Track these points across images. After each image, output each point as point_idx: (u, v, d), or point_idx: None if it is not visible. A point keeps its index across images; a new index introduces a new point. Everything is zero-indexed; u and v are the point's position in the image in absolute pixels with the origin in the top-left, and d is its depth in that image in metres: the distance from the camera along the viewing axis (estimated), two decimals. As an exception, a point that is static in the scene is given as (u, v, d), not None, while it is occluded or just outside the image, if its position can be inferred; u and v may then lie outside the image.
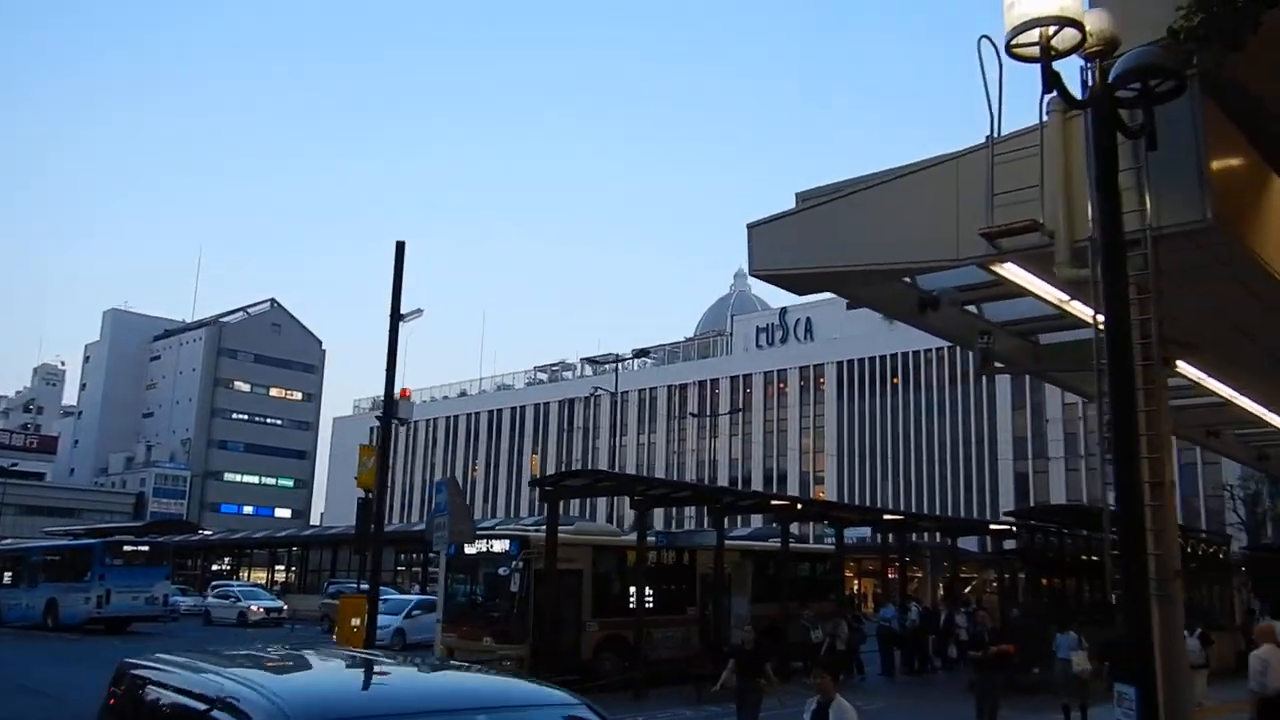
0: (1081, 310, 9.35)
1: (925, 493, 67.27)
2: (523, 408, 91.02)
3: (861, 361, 72.85)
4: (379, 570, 15.08)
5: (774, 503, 21.04)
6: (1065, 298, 9.01)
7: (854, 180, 9.18)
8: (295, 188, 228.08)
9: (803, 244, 9.13)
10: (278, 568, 65.94)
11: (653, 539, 20.00)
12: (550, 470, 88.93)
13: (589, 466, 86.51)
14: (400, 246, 15.32)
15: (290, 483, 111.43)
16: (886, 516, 24.26)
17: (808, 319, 77.20)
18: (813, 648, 21.23)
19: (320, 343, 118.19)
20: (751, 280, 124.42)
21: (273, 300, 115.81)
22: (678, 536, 20.18)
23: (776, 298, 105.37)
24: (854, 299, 10.09)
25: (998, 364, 8.56)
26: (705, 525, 31.11)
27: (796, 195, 10.09)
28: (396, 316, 14.98)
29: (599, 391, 61.60)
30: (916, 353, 70.22)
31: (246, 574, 67.35)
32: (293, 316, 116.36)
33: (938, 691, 20.24)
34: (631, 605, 19.94)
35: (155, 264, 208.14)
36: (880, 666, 22.44)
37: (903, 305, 10.54)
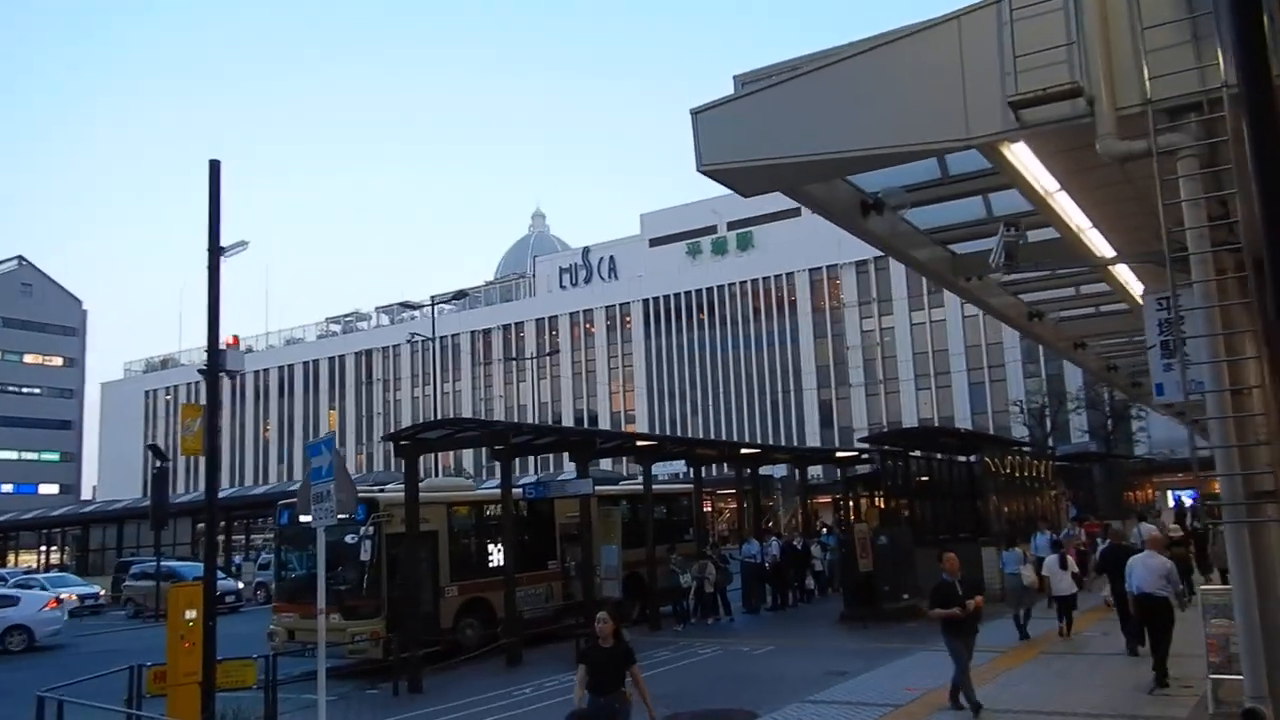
0: (1063, 206, 8.31)
1: (735, 425, 68.16)
2: (315, 362, 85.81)
3: (667, 298, 72.71)
4: (215, 548, 12.64)
5: (640, 443, 19.74)
6: (1054, 187, 7.91)
7: (821, 53, 7.70)
8: (31, 132, 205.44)
9: (766, 131, 7.58)
10: (50, 549, 59.46)
11: (518, 491, 18.25)
12: (350, 427, 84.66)
13: (391, 419, 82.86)
14: (215, 166, 12.71)
15: (55, 456, 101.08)
16: (743, 450, 23.52)
17: (611, 257, 76.29)
18: (682, 593, 20.27)
19: (80, 303, 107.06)
20: (550, 220, 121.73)
21: (20, 258, 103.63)
22: (548, 486, 18.53)
23: (577, 237, 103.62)
24: (806, 200, 8.72)
25: (1019, 263, 7.34)
26: (550, 472, 29.51)
27: (735, 79, 8.52)
28: (216, 249, 12.43)
29: (415, 338, 58.40)
30: (720, 287, 70.75)
31: (13, 558, 60.44)
32: (45, 275, 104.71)
33: (814, 625, 19.75)
34: (491, 565, 18.28)
35: None
36: (743, 604, 21.76)
37: (846, 209, 9.23)
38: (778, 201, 69.72)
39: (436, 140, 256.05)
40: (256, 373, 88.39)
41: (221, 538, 51.67)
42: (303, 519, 9.10)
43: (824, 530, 27.98)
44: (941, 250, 11.29)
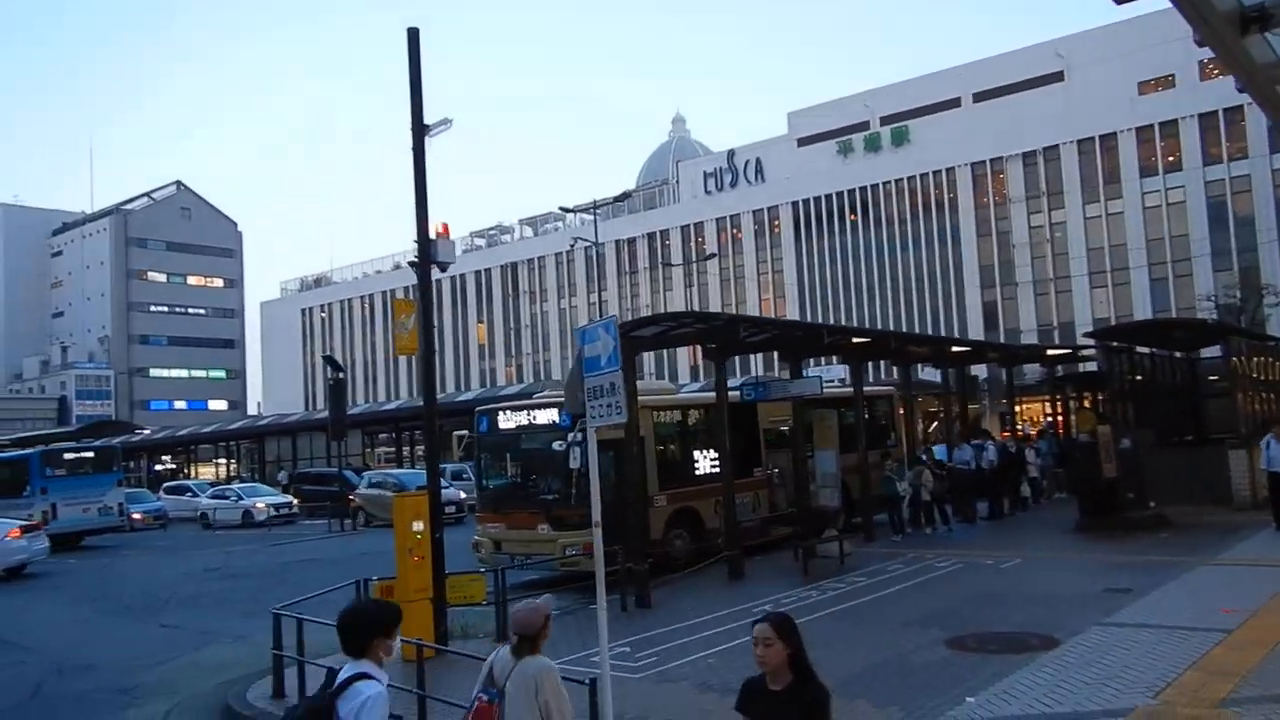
0: None
1: (892, 330, 65.42)
2: (461, 276, 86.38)
3: (817, 200, 69.77)
4: (437, 455, 11.84)
5: (856, 339, 18.14)
6: None
7: None
8: (179, 60, 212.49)
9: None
10: (229, 462, 62.26)
11: (734, 394, 17.02)
12: (499, 340, 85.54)
13: (539, 331, 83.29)
14: (414, 35, 11.57)
15: (222, 374, 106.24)
16: (954, 349, 21.67)
17: (757, 159, 73.58)
18: (895, 501, 18.86)
19: (235, 224, 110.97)
20: (691, 125, 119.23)
21: (178, 183, 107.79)
22: (769, 386, 17.25)
23: (719, 141, 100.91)
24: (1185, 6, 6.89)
25: None
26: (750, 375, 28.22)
27: None
28: (420, 128, 11.35)
29: (578, 242, 57.49)
30: (874, 186, 67.40)
31: (193, 470, 63.65)
32: (202, 199, 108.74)
33: (1048, 535, 18.05)
34: (699, 473, 17.21)
35: (42, 155, 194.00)
36: (955, 512, 20.14)
37: (1223, 22, 7.33)
38: (935, 92, 66.00)
39: (572, 48, 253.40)
40: (404, 289, 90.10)
41: (393, 448, 53.04)
42: (588, 421, 7.96)
43: (1037, 434, 25.95)
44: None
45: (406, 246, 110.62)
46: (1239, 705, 7.36)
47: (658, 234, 77.43)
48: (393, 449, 53.08)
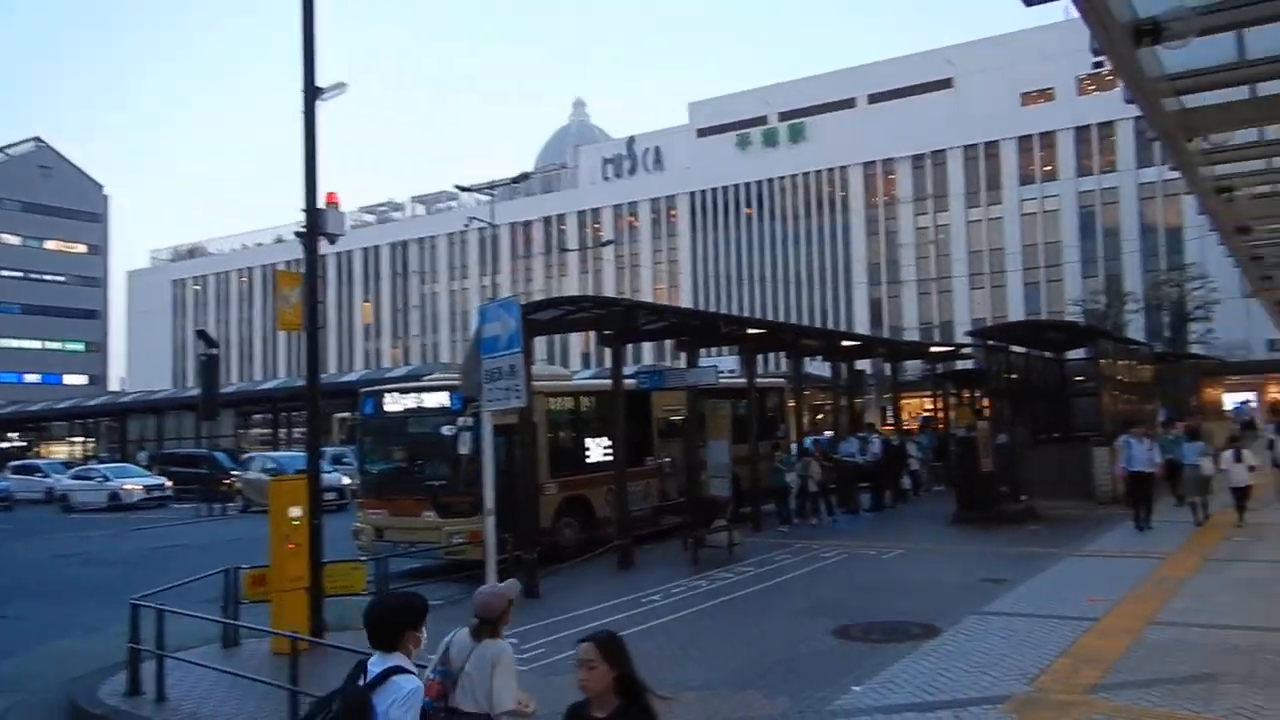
0: None
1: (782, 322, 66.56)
2: (349, 253, 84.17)
3: (714, 191, 70.45)
4: (319, 437, 11.39)
5: (751, 330, 18.28)
6: None
7: None
8: (46, 13, 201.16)
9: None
10: (87, 440, 59.09)
11: (631, 381, 16.96)
12: (386, 320, 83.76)
13: (428, 313, 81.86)
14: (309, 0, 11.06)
15: (80, 346, 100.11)
16: (844, 343, 22.10)
17: (657, 148, 73.83)
18: (783, 492, 19.14)
19: (101, 188, 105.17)
20: (591, 109, 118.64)
21: (37, 139, 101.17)
22: (665, 375, 17.24)
23: (620, 128, 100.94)
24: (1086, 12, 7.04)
25: None
26: (642, 363, 28.18)
27: None
28: (312, 89, 10.86)
29: (473, 223, 56.30)
30: (770, 181, 68.42)
31: (42, 449, 60.20)
32: (63, 157, 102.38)
33: (927, 527, 18.58)
34: (590, 461, 17.14)
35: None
36: (839, 504, 20.58)
37: (1121, 34, 7.54)
38: (831, 91, 67.24)
39: (471, 26, 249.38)
40: (286, 264, 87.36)
41: (269, 430, 51.29)
42: (484, 405, 7.77)
43: (918, 428, 26.72)
44: (1174, 102, 9.58)
45: (290, 219, 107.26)
46: (1108, 691, 7.67)
47: (554, 218, 76.98)
48: (269, 430, 51.27)
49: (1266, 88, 8.91)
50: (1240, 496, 16.32)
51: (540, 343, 69.22)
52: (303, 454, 16.19)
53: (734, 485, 18.07)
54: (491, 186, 42.48)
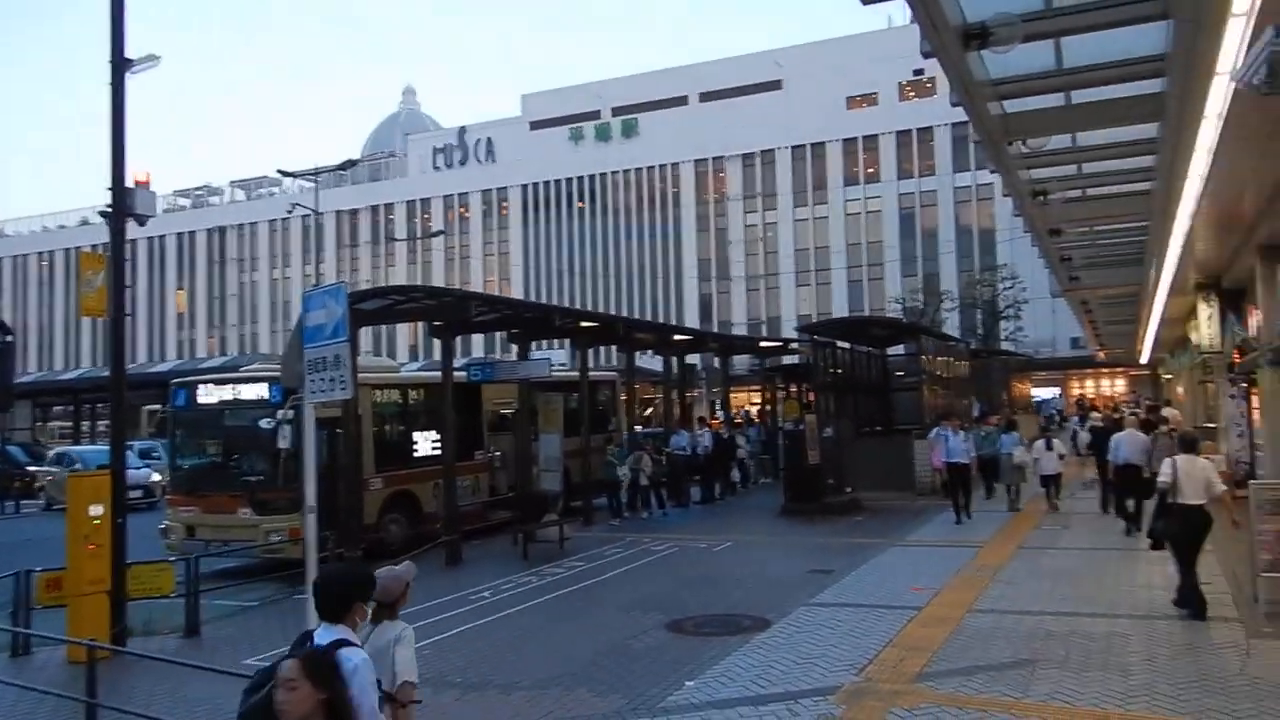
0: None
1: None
2: (161, 237, 79.29)
3: (546, 184, 70.07)
4: (124, 430, 10.45)
5: (584, 324, 17.99)
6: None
7: None
8: None
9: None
10: None
11: (462, 374, 16.40)
12: (201, 309, 79.36)
13: (247, 302, 78.02)
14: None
15: None
16: (676, 337, 22.16)
17: (489, 139, 72.81)
18: (615, 486, 19.03)
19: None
20: (422, 97, 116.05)
21: None
22: (496, 367, 16.75)
23: (451, 118, 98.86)
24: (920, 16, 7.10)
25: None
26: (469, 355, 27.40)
27: None
28: (121, 61, 9.96)
29: (296, 210, 53.52)
30: (603, 175, 68.60)
31: None
32: None
33: (757, 519, 18.81)
34: (418, 455, 16.55)
35: None
36: (670, 497, 20.65)
37: (953, 37, 7.69)
38: (665, 88, 67.92)
39: (293, 7, 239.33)
40: (92, 247, 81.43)
41: (70, 423, 47.56)
42: (307, 396, 7.22)
43: (747, 422, 27.18)
44: (997, 106, 9.93)
45: (99, 200, 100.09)
46: (933, 680, 7.81)
47: (382, 207, 74.81)
48: (70, 423, 47.64)
49: (1080, 95, 9.31)
50: (1051, 483, 17.46)
51: (365, 334, 66.86)
52: (107, 448, 14.98)
53: (565, 479, 17.83)
54: (316, 172, 40.67)
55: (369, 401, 15.43)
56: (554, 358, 29.99)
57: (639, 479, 19.07)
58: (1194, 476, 9.73)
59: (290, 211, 58.57)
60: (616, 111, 69.27)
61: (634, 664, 8.79)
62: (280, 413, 14.11)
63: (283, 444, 14.05)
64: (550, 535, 15.54)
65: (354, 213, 74.89)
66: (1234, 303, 18.74)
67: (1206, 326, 19.63)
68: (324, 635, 3.74)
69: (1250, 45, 5.43)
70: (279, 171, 43.05)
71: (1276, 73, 5.17)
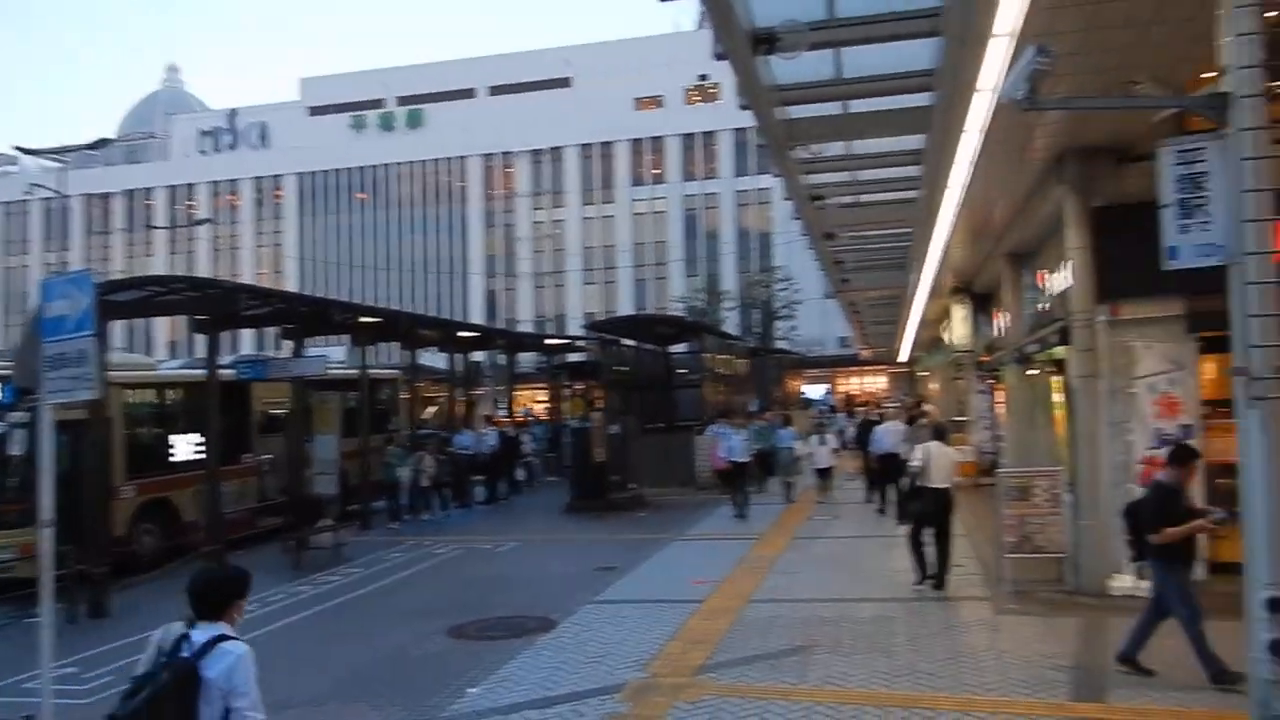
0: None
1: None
2: None
3: (326, 174, 67.31)
4: None
5: (364, 319, 17.12)
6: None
7: None
8: None
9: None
10: None
11: (230, 371, 15.25)
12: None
13: (-19, 292, 70.58)
14: None
15: None
16: (460, 334, 21.59)
17: (263, 124, 69.18)
18: (395, 487, 18.37)
19: None
20: (186, 75, 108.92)
21: None
22: (267, 365, 15.65)
23: (221, 99, 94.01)
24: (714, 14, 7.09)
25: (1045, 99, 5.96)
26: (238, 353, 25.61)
27: None
28: None
29: (35, 191, 48.63)
30: (386, 166, 66.63)
31: None
32: None
33: (542, 517, 18.71)
34: (175, 460, 15.35)
35: None
36: (454, 498, 20.19)
37: (743, 41, 7.81)
38: (452, 80, 66.64)
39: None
40: None
41: None
42: (44, 396, 6.40)
43: (533, 420, 26.94)
44: (781, 112, 10.21)
45: None
46: (715, 671, 7.91)
47: (140, 191, 69.57)
48: None
49: (858, 105, 9.72)
50: (824, 475, 18.33)
51: (118, 329, 62.14)
52: None
53: (342, 482, 17.05)
54: (63, 151, 37.21)
55: (120, 402, 14.15)
56: (332, 355, 28.83)
57: (420, 480, 18.49)
58: (942, 462, 10.70)
59: (29, 193, 53.45)
60: (402, 101, 67.36)
61: (414, 673, 8.45)
62: (12, 415, 12.82)
63: (14, 450, 12.80)
64: (324, 541, 14.81)
65: (106, 196, 69.26)
66: (984, 306, 20.30)
67: (960, 327, 21.17)
68: (202, 633, 3.78)
69: (1014, 63, 5.76)
70: (16, 148, 38.97)
71: (1036, 89, 5.50)
